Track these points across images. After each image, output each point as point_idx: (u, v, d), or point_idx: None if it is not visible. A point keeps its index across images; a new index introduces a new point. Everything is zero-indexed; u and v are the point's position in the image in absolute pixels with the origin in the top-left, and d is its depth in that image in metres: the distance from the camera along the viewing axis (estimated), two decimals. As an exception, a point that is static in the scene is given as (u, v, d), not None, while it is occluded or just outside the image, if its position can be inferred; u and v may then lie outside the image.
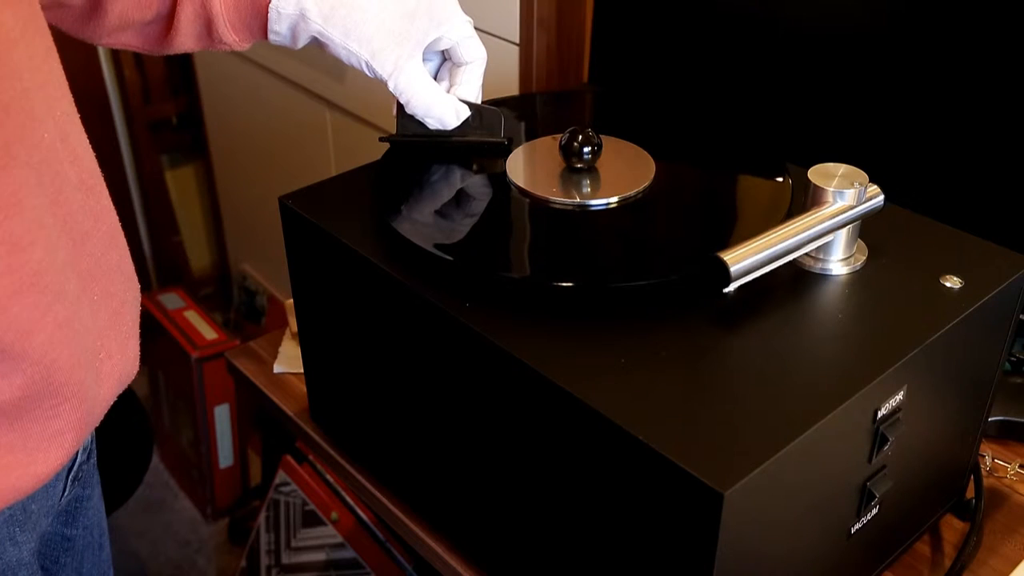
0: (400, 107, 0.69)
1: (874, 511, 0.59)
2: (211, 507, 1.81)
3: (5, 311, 0.50)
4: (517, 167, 0.68)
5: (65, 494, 0.65)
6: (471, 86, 0.71)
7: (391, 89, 0.68)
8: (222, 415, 1.75)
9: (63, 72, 0.56)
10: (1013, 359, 0.78)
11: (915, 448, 0.60)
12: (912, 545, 0.68)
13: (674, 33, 0.96)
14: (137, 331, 0.63)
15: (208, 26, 0.69)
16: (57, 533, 0.68)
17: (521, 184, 0.66)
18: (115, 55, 1.90)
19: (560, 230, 0.62)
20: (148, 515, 1.84)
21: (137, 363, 0.63)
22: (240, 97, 1.69)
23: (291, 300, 0.81)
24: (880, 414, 0.54)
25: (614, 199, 0.64)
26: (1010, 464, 0.74)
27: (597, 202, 0.63)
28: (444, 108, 0.68)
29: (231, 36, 0.69)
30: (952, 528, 0.70)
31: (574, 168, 0.66)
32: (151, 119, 1.97)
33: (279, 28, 0.68)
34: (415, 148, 0.71)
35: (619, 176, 0.66)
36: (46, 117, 0.53)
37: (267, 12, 0.68)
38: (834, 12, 0.84)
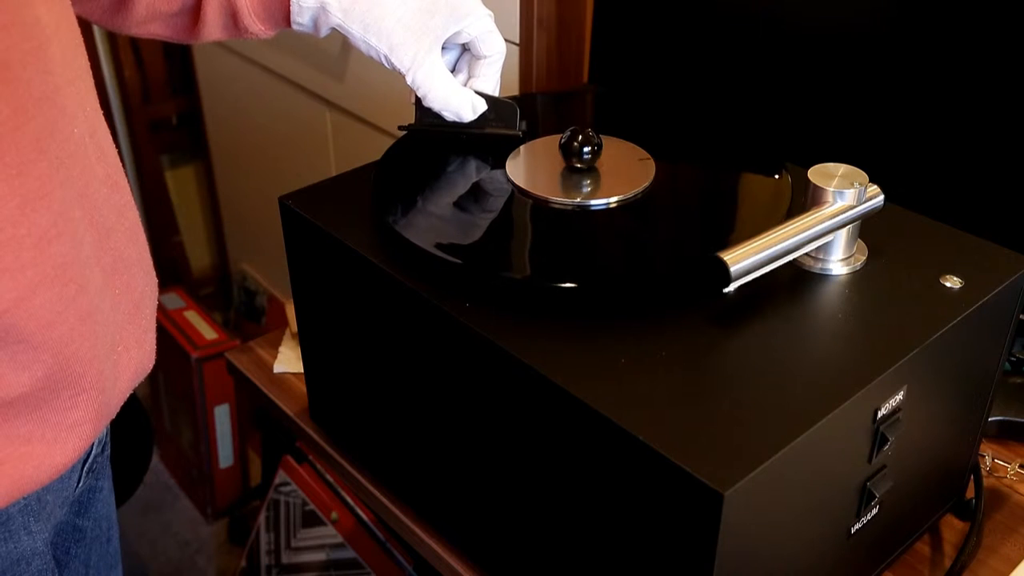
0: (418, 98, 0.70)
1: (874, 511, 0.59)
2: (211, 507, 1.81)
3: (28, 302, 0.51)
4: (517, 167, 0.68)
5: (79, 486, 0.66)
6: (489, 80, 0.71)
7: (409, 83, 0.69)
8: (222, 415, 1.75)
9: (90, 69, 0.56)
10: (1013, 359, 0.78)
11: (915, 448, 0.60)
12: (912, 545, 0.68)
13: (674, 33, 0.96)
14: (154, 325, 0.65)
15: (234, 17, 0.71)
16: (69, 523, 0.68)
17: (521, 184, 0.66)
18: (115, 55, 1.90)
19: (560, 230, 0.62)
20: (148, 515, 1.84)
21: (153, 357, 0.64)
22: (240, 97, 1.69)
23: (291, 300, 0.81)
24: (880, 414, 0.54)
25: (614, 199, 0.64)
26: (1010, 464, 0.74)
27: (597, 202, 0.63)
28: (461, 102, 0.69)
29: (257, 26, 0.71)
30: (952, 528, 0.70)
31: (574, 168, 0.66)
32: (151, 119, 1.97)
33: (301, 20, 0.70)
34: (431, 138, 0.72)
35: (619, 176, 0.66)
36: (77, 112, 0.54)
37: (289, 4, 0.69)
38: (834, 12, 0.83)
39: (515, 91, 1.06)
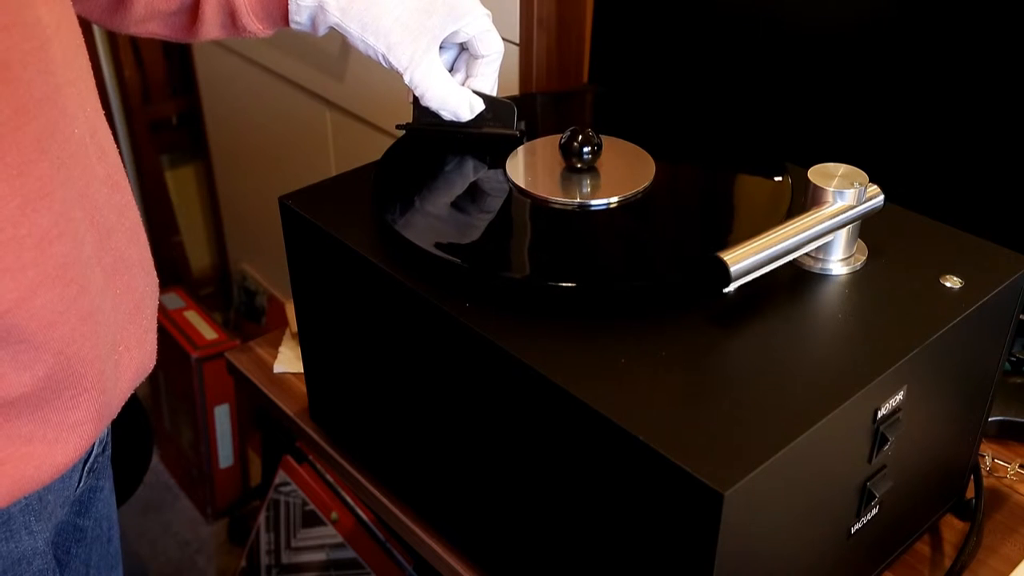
0: (416, 97, 0.70)
1: (874, 511, 0.59)
2: (211, 507, 1.81)
3: (30, 302, 0.51)
4: (517, 167, 0.68)
5: (80, 485, 0.66)
6: (487, 79, 0.72)
7: (407, 82, 0.69)
8: (222, 415, 1.75)
9: (91, 69, 0.57)
10: (1013, 359, 0.78)
11: (915, 448, 0.60)
12: (912, 545, 0.68)
13: (674, 33, 0.96)
14: (155, 325, 0.65)
15: (232, 15, 0.71)
16: (70, 523, 0.68)
17: (521, 184, 0.66)
18: (115, 55, 1.90)
19: (560, 230, 0.62)
20: (148, 515, 1.84)
21: (154, 357, 0.64)
22: (240, 97, 1.69)
23: (291, 300, 0.81)
24: (880, 414, 0.54)
25: (614, 199, 0.64)
26: (1010, 464, 0.74)
27: (597, 202, 0.63)
28: (458, 101, 0.69)
29: (255, 25, 0.71)
30: (952, 528, 0.70)
31: (574, 168, 0.66)
32: (151, 119, 1.97)
33: (299, 18, 0.70)
34: (429, 138, 0.72)
35: (619, 176, 0.66)
36: (77, 112, 0.54)
37: (288, 2, 0.69)
38: (834, 12, 0.84)
39: (515, 91, 1.06)
